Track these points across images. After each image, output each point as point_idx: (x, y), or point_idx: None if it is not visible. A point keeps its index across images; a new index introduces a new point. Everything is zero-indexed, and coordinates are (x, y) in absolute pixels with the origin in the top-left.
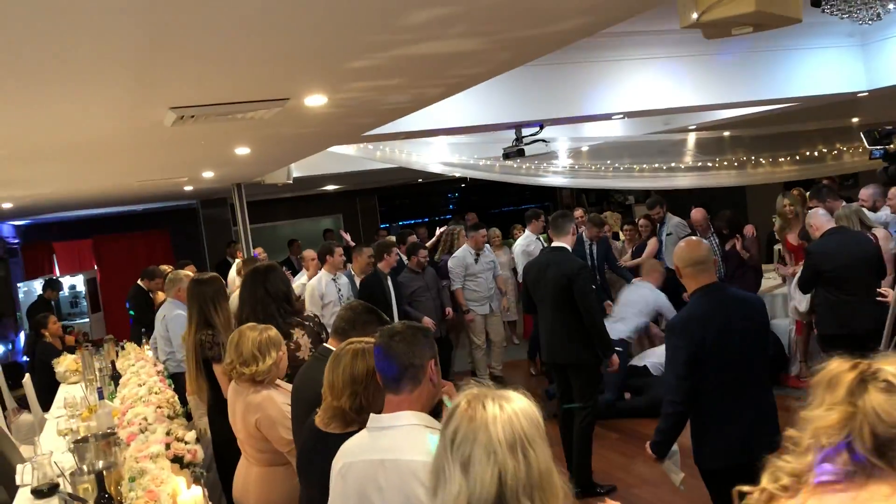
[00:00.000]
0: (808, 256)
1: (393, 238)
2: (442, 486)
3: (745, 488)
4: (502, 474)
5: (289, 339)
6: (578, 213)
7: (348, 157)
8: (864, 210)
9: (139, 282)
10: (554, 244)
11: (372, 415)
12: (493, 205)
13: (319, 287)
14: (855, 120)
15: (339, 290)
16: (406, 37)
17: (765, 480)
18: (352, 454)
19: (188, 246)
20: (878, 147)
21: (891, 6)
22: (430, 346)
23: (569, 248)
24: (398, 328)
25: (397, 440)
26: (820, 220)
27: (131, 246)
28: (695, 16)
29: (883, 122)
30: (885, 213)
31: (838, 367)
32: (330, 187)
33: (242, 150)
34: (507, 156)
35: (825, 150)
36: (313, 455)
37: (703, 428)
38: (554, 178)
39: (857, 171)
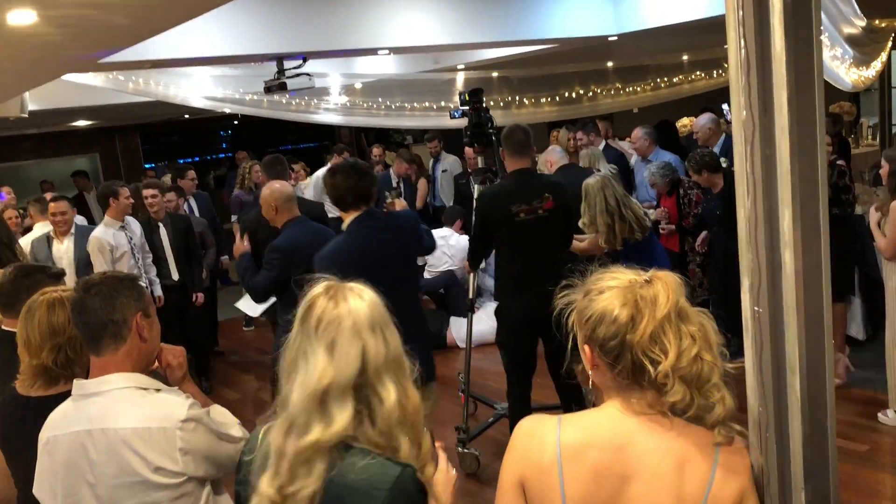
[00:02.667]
0: None
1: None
2: (302, 370)
3: None
4: (365, 352)
5: None
6: (377, 150)
7: (95, 88)
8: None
9: None
10: None
11: (76, 381)
12: (270, 143)
13: (105, 239)
14: (610, 64)
15: (131, 237)
16: None
17: None
18: (57, 426)
19: None
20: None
21: None
22: (137, 298)
23: None
24: (95, 279)
25: (105, 407)
26: (555, 155)
27: None
28: None
29: (632, 64)
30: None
31: None
32: (82, 123)
33: None
34: (268, 89)
35: (582, 92)
36: (14, 426)
37: None
38: (327, 115)
39: (612, 112)
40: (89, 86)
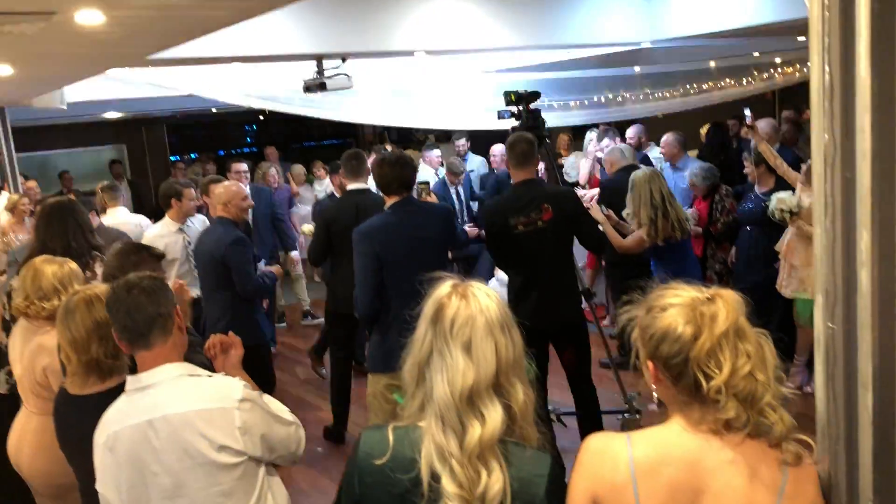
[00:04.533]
0: (600, 190)
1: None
2: (440, 370)
3: None
4: (498, 350)
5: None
6: (390, 148)
7: (132, 81)
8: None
9: None
10: (354, 186)
11: (129, 377)
12: (294, 139)
13: (157, 242)
14: (637, 69)
15: (189, 243)
16: None
17: None
18: (115, 422)
19: None
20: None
21: None
22: (170, 293)
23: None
24: (132, 280)
25: (162, 396)
26: (615, 155)
27: None
28: None
29: (660, 71)
30: (653, 154)
31: None
32: (111, 115)
33: (4, 70)
34: (308, 88)
35: (611, 97)
36: (72, 427)
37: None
38: (358, 113)
39: (636, 118)
40: (126, 79)
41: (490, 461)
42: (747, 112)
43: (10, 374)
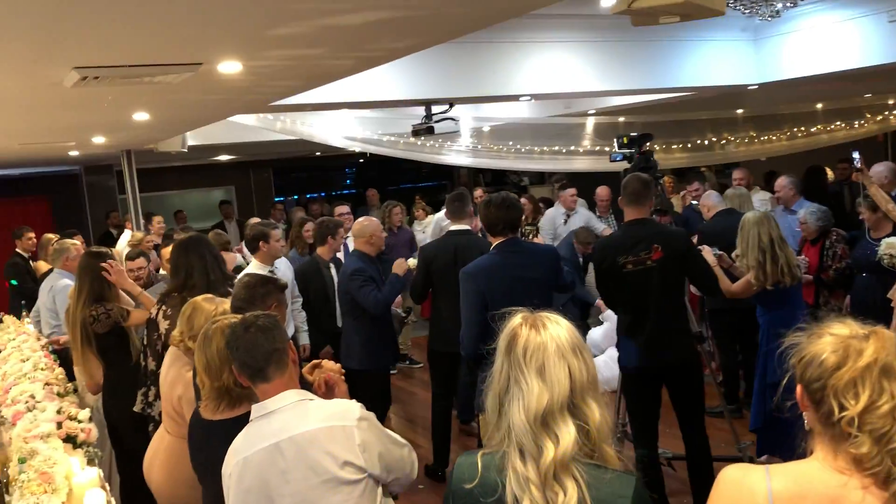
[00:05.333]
0: (699, 235)
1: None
2: (517, 398)
3: None
4: (572, 372)
5: None
6: (478, 192)
7: (246, 126)
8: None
9: (18, 249)
10: (456, 227)
11: (253, 406)
12: (392, 181)
13: None
14: (740, 111)
15: None
16: (334, 5)
17: None
18: (243, 449)
19: (69, 214)
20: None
21: (788, 4)
22: (283, 330)
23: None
24: (249, 319)
25: (287, 419)
26: (712, 200)
27: (6, 212)
28: (627, 3)
29: (766, 113)
30: (758, 197)
31: None
32: (223, 157)
33: (141, 116)
34: (416, 133)
35: (714, 139)
36: (205, 452)
37: None
38: (456, 156)
39: (739, 161)
40: (241, 123)
41: (566, 482)
42: (856, 155)
43: (145, 395)
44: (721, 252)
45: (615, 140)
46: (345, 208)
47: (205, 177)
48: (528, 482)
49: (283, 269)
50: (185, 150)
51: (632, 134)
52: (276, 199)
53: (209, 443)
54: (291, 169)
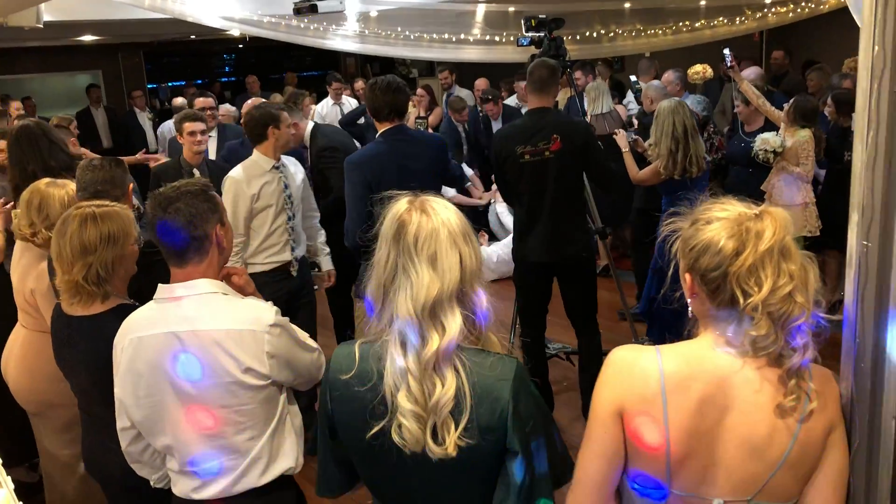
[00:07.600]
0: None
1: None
2: (405, 287)
3: None
4: (462, 260)
5: None
6: (359, 84)
7: (112, 1)
8: None
9: None
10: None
11: (160, 285)
12: (273, 69)
13: (247, 186)
14: (627, 5)
15: (287, 185)
16: None
17: None
18: (139, 328)
19: None
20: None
21: None
22: (214, 209)
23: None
24: (171, 195)
25: (194, 310)
26: (653, 91)
27: None
28: None
29: (652, 6)
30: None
31: None
32: (87, 38)
33: None
34: (298, 11)
35: (602, 32)
36: (63, 346)
37: None
38: (342, 42)
39: (626, 55)
40: None
41: (446, 372)
42: (727, 52)
43: None
44: (637, 136)
45: (522, 22)
46: (209, 101)
47: (68, 59)
48: (406, 373)
49: (292, 169)
50: (41, 27)
51: (541, 16)
52: (149, 86)
53: (71, 339)
54: (164, 53)
